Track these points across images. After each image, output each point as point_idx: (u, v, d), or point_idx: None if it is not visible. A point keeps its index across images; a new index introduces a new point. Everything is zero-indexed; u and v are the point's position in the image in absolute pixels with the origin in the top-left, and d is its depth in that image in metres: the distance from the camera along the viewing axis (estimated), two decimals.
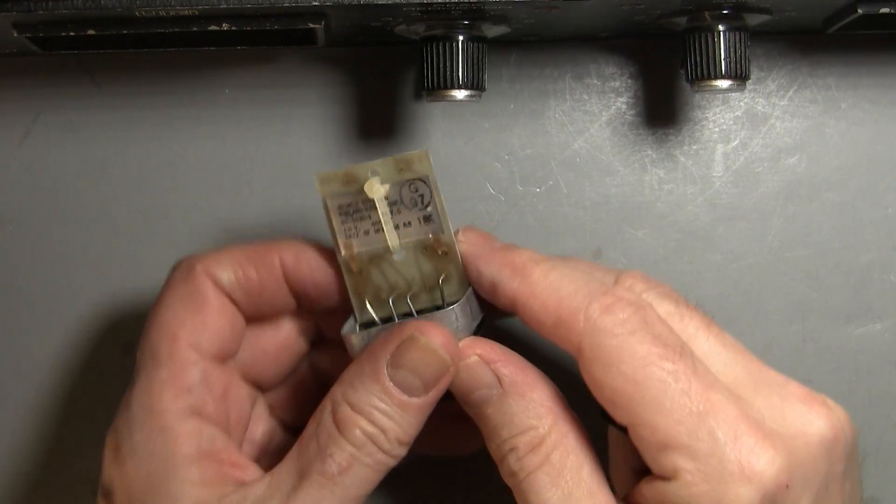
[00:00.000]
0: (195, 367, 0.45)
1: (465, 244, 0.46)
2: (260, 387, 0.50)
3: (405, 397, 0.44)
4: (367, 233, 0.46)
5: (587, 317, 0.43)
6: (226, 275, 0.46)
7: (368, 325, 0.47)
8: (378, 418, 0.44)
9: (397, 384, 0.44)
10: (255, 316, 0.48)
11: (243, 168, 0.56)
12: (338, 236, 0.46)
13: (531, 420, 0.43)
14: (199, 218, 0.56)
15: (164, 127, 0.56)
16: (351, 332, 0.46)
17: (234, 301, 0.47)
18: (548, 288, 0.43)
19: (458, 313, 0.45)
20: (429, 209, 0.46)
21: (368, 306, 0.46)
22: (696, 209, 0.56)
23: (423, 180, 0.45)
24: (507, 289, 0.44)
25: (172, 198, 0.56)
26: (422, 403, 0.44)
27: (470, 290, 0.47)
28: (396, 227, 0.46)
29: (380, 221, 0.46)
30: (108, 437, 0.46)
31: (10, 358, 0.57)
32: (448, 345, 0.44)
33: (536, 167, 0.56)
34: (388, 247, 0.46)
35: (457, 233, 0.47)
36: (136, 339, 0.56)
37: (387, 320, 0.46)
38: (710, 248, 0.56)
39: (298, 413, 0.51)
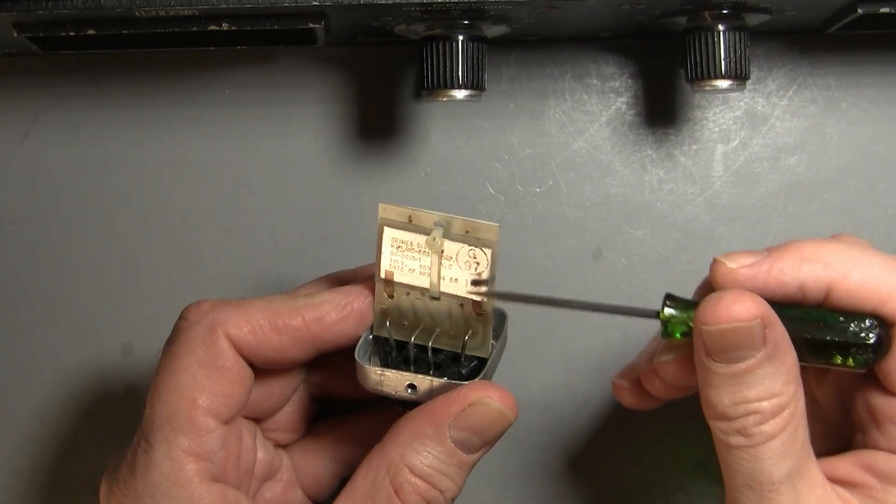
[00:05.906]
0: (215, 433, 0.45)
1: (745, 269, 0.43)
2: (258, 419, 0.50)
3: (465, 455, 0.45)
4: (411, 271, 0.46)
5: None
6: (246, 341, 0.46)
7: (382, 341, 0.47)
8: (439, 480, 0.44)
9: (459, 445, 0.44)
10: (267, 372, 0.48)
11: (243, 168, 0.56)
12: (382, 265, 0.46)
13: (780, 386, 0.41)
14: (199, 217, 0.56)
15: (164, 127, 0.56)
16: (365, 358, 0.47)
17: (250, 363, 0.47)
18: (859, 269, 0.43)
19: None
20: (481, 277, 0.46)
21: (388, 325, 0.47)
22: (696, 209, 0.56)
23: (485, 251, 0.45)
24: (820, 281, 0.43)
25: (172, 197, 0.56)
26: (476, 458, 0.45)
27: (492, 357, 0.47)
28: (442, 279, 0.46)
29: (428, 268, 0.46)
30: (123, 498, 0.45)
31: (11, 358, 0.57)
32: (510, 403, 0.45)
33: (536, 167, 0.56)
34: (428, 289, 0.47)
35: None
36: (136, 339, 0.56)
37: (401, 344, 0.47)
38: (709, 248, 0.56)
39: (293, 431, 0.51)
